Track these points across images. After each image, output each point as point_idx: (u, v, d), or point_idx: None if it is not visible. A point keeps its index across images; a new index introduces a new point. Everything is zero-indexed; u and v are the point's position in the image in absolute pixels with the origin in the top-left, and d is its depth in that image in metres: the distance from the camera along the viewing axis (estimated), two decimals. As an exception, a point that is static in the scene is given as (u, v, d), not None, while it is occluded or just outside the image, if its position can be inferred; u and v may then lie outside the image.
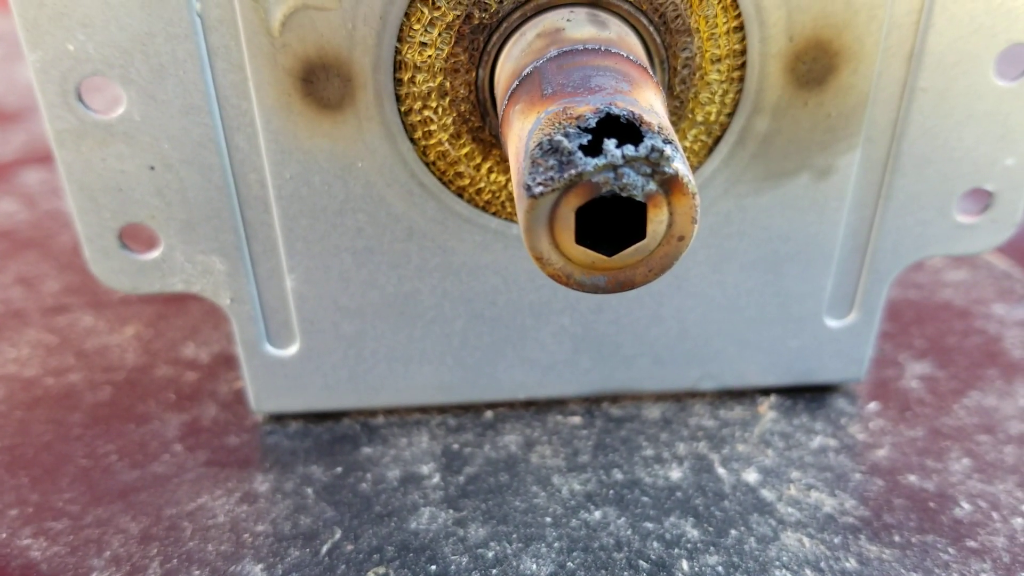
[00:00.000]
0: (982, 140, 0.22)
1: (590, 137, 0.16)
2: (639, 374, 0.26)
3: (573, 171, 0.15)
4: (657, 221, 0.16)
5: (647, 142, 0.15)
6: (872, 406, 0.27)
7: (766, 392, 0.27)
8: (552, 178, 0.15)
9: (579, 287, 0.17)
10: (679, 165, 0.15)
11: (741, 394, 0.27)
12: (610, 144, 0.15)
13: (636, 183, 0.15)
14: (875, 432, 0.26)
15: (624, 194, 0.15)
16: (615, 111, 0.16)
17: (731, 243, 0.24)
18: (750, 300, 0.25)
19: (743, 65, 0.21)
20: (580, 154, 0.15)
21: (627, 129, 0.16)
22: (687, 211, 0.16)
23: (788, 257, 0.24)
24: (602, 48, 0.19)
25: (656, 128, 0.16)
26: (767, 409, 0.27)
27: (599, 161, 0.15)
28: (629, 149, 0.15)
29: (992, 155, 0.23)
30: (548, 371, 0.26)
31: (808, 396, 0.27)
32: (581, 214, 0.16)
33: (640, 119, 0.16)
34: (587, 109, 0.16)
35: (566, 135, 0.16)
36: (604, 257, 0.16)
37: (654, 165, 0.15)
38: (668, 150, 0.15)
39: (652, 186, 0.15)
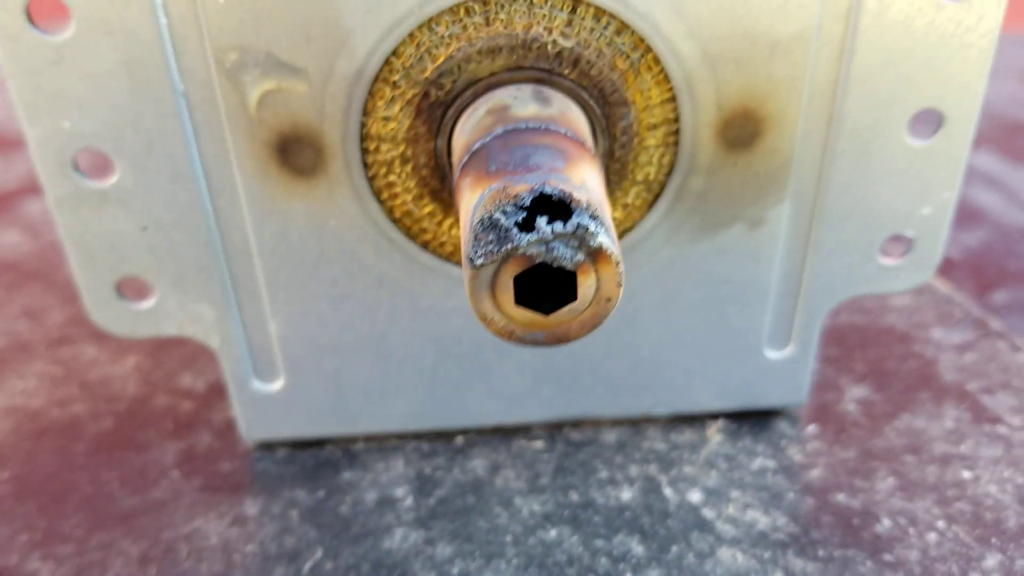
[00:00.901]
0: (900, 193, 0.25)
1: (524, 215, 0.18)
2: (596, 402, 0.29)
3: (509, 245, 0.17)
4: (586, 286, 0.18)
5: (574, 219, 0.17)
6: (811, 428, 0.29)
7: (715, 416, 0.30)
8: (491, 251, 0.18)
9: (520, 342, 0.19)
10: (603, 239, 0.18)
11: (692, 419, 0.29)
12: (542, 221, 0.17)
13: (565, 255, 0.18)
14: (811, 453, 0.28)
15: (555, 265, 0.18)
16: (547, 190, 0.18)
17: (675, 286, 0.26)
18: (695, 335, 0.27)
19: (677, 131, 0.23)
20: (516, 230, 0.18)
21: (558, 206, 0.18)
22: (612, 277, 0.18)
23: (728, 297, 0.26)
24: (542, 127, 0.21)
25: (584, 205, 0.18)
26: (715, 432, 0.29)
27: (532, 237, 0.17)
28: (558, 226, 0.17)
29: (909, 206, 0.25)
30: (513, 400, 0.28)
31: (753, 420, 0.29)
32: (519, 280, 0.18)
33: (570, 197, 0.18)
34: (523, 188, 0.18)
35: (504, 213, 0.18)
36: (542, 317, 0.19)
37: (581, 239, 0.18)
38: (593, 226, 0.17)
39: (580, 256, 0.18)
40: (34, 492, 0.28)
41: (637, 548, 0.25)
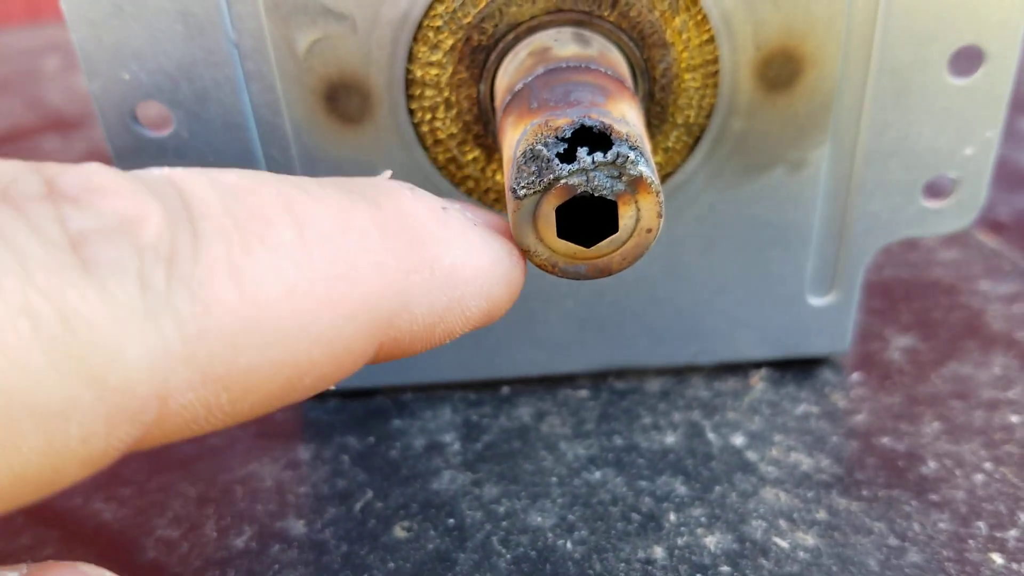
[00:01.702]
0: (941, 133, 0.25)
1: (566, 146, 0.18)
2: (640, 351, 0.29)
3: (551, 176, 0.18)
4: (627, 216, 0.19)
5: (615, 149, 0.18)
6: (855, 376, 0.29)
7: (758, 365, 0.30)
8: (533, 182, 0.18)
9: (563, 275, 0.20)
10: (643, 168, 0.18)
11: (735, 368, 0.30)
12: (583, 152, 0.18)
13: (606, 184, 0.18)
14: (855, 399, 0.28)
15: (596, 194, 0.18)
16: (588, 122, 0.18)
17: (717, 231, 0.26)
18: (737, 282, 0.27)
19: (716, 73, 0.24)
20: (557, 161, 0.18)
21: (599, 138, 0.18)
22: (652, 207, 0.19)
23: (770, 242, 0.27)
24: (583, 65, 0.21)
25: (624, 136, 0.18)
26: (758, 381, 0.29)
27: (573, 167, 0.18)
28: (599, 155, 0.18)
29: (952, 146, 0.25)
30: (557, 350, 0.29)
31: (797, 368, 0.29)
32: (561, 212, 0.19)
33: (610, 128, 0.18)
34: (564, 122, 0.19)
35: (545, 145, 0.18)
36: (583, 248, 0.19)
37: (621, 168, 0.18)
38: (632, 155, 0.18)
39: (620, 186, 0.18)
40: (98, 439, 0.29)
41: (680, 488, 0.25)
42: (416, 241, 0.16)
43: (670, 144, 0.25)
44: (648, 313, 0.28)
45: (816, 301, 0.28)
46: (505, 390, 0.30)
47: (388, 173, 0.19)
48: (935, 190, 0.26)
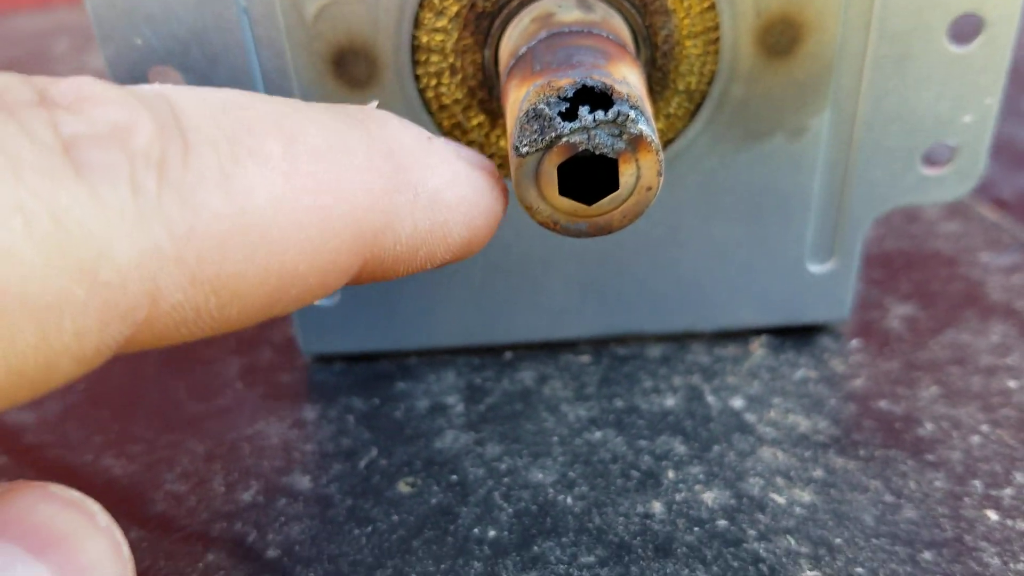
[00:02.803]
0: (941, 100, 0.25)
1: (567, 105, 0.19)
2: (641, 318, 0.29)
3: (553, 133, 0.18)
4: (627, 174, 0.19)
5: (615, 108, 0.18)
6: (854, 343, 0.29)
7: (758, 332, 0.30)
8: (536, 140, 0.19)
9: (565, 232, 0.20)
10: (643, 126, 0.18)
11: (736, 335, 0.30)
12: (584, 110, 0.18)
13: (607, 143, 0.18)
14: (853, 365, 0.28)
15: (597, 152, 0.19)
16: (590, 82, 0.19)
17: (717, 197, 0.27)
18: (738, 249, 0.28)
19: (717, 39, 0.24)
20: (559, 119, 0.18)
21: (600, 97, 0.19)
22: (652, 165, 0.19)
23: (769, 208, 0.27)
24: (585, 30, 0.22)
25: (625, 96, 0.19)
26: (758, 347, 0.29)
27: (574, 125, 0.18)
28: (600, 114, 0.18)
29: (951, 113, 0.25)
30: (559, 315, 0.29)
31: (796, 336, 0.30)
32: (563, 171, 0.19)
33: (611, 88, 0.19)
34: (567, 82, 0.19)
35: (547, 104, 0.19)
36: (584, 206, 0.19)
37: (622, 127, 0.18)
38: (633, 114, 0.18)
39: (621, 144, 0.19)
40: (107, 400, 0.29)
41: (679, 448, 0.26)
42: (402, 165, 0.17)
43: (671, 110, 0.25)
44: (649, 279, 0.29)
45: (816, 268, 0.28)
46: (508, 355, 0.30)
47: (375, 103, 0.19)
48: (934, 158, 0.26)
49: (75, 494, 0.15)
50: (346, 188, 0.16)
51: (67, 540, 0.14)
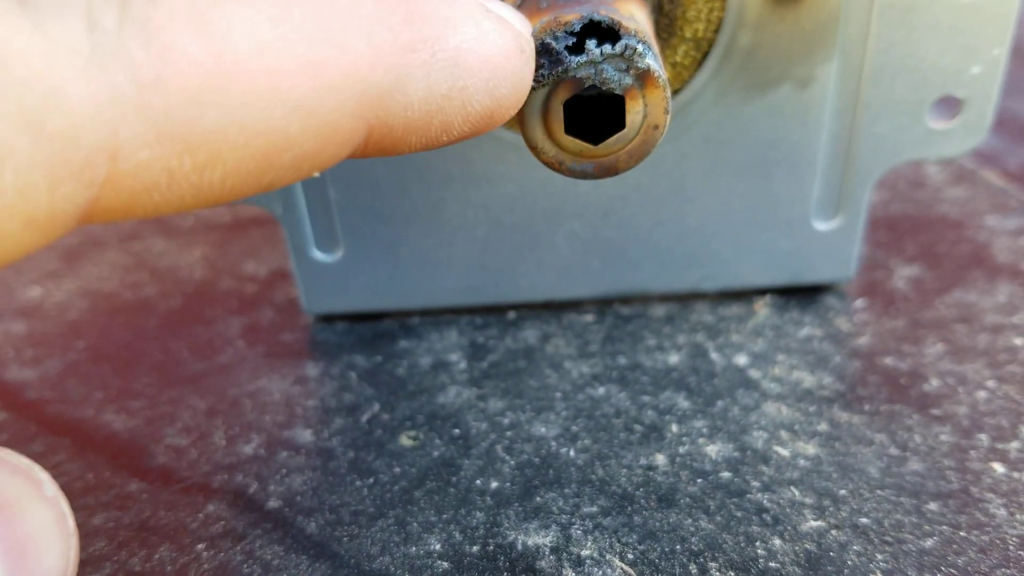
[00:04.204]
0: (948, 51, 0.25)
1: (575, 40, 0.18)
2: (645, 276, 0.29)
3: (560, 68, 0.18)
4: (634, 112, 0.19)
5: (623, 42, 0.18)
6: (859, 302, 0.29)
7: (763, 292, 0.30)
8: (543, 75, 0.18)
9: (570, 173, 0.20)
10: (651, 61, 0.18)
11: (740, 294, 0.30)
12: (591, 44, 0.18)
13: (614, 78, 0.18)
14: (859, 324, 0.28)
15: (604, 88, 0.18)
16: (597, 17, 0.19)
17: (722, 150, 0.27)
18: (743, 204, 0.28)
19: (725, -15, 0.24)
20: (566, 53, 0.18)
21: (607, 32, 0.19)
22: (660, 102, 0.19)
23: (776, 162, 0.27)
24: (592, -31, 0.21)
25: (632, 31, 0.18)
26: (762, 306, 0.29)
27: (582, 59, 0.18)
28: (607, 47, 0.18)
29: (958, 65, 0.25)
30: (563, 274, 0.29)
31: (801, 295, 0.30)
32: (570, 109, 0.19)
33: (619, 24, 0.18)
34: (574, 16, 0.19)
35: (555, 38, 0.18)
36: (590, 145, 0.19)
37: (629, 61, 0.18)
38: (640, 48, 0.18)
39: (628, 80, 0.18)
40: (108, 358, 0.29)
41: (683, 403, 0.25)
42: (418, 16, 0.15)
43: (678, 59, 0.25)
44: (653, 236, 0.28)
45: (821, 225, 0.28)
46: (511, 315, 0.30)
47: None
48: (942, 111, 0.26)
49: (23, 460, 0.14)
50: (349, 39, 0.14)
51: (8, 507, 0.13)
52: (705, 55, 0.25)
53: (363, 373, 0.28)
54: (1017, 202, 0.35)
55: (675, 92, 0.25)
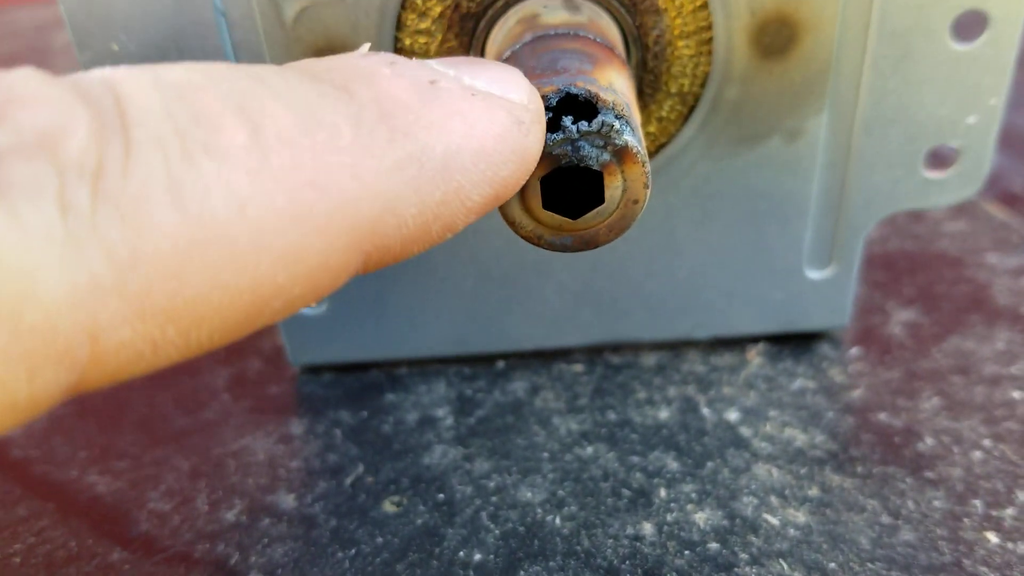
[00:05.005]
0: (943, 101, 0.24)
1: (551, 115, 0.18)
2: (636, 325, 0.29)
3: (535, 146, 0.17)
4: (613, 187, 0.18)
5: (600, 118, 0.17)
6: (854, 351, 0.29)
7: (756, 340, 0.29)
8: (517, 152, 0.18)
9: (549, 247, 0.19)
10: (628, 137, 0.18)
11: (732, 342, 0.29)
12: (567, 121, 0.18)
13: (591, 154, 0.18)
14: (853, 375, 0.28)
15: (581, 164, 0.18)
16: (574, 90, 0.18)
17: (712, 202, 0.26)
18: (734, 255, 0.27)
19: (710, 40, 0.23)
20: (541, 131, 0.18)
21: (584, 106, 0.18)
22: (639, 178, 0.18)
23: (767, 214, 0.26)
24: (571, 32, 0.21)
25: (610, 104, 0.18)
26: (755, 355, 0.29)
27: (558, 136, 0.18)
28: (583, 124, 0.17)
29: (954, 115, 0.24)
30: (552, 324, 0.29)
31: (795, 343, 0.29)
32: (547, 184, 0.18)
33: (596, 96, 0.18)
34: (550, 89, 0.18)
35: (530, 114, 0.18)
36: (569, 220, 0.19)
37: (606, 138, 0.18)
38: (618, 124, 0.17)
39: (606, 156, 0.18)
40: (94, 412, 0.29)
41: (672, 464, 0.25)
42: (399, 131, 0.14)
43: (664, 113, 0.24)
44: (644, 286, 0.28)
45: (814, 274, 0.28)
46: (500, 365, 0.29)
47: (367, 46, 0.17)
48: (937, 160, 0.25)
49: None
50: (331, 178, 0.13)
51: None
52: (692, 109, 0.24)
53: (348, 431, 0.27)
54: (1019, 237, 0.34)
55: (662, 146, 0.25)
